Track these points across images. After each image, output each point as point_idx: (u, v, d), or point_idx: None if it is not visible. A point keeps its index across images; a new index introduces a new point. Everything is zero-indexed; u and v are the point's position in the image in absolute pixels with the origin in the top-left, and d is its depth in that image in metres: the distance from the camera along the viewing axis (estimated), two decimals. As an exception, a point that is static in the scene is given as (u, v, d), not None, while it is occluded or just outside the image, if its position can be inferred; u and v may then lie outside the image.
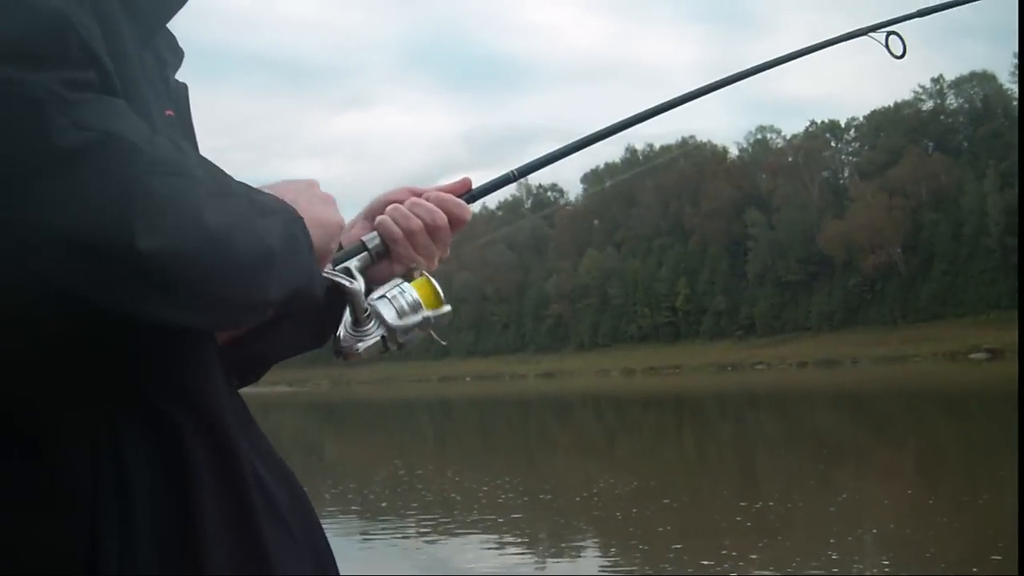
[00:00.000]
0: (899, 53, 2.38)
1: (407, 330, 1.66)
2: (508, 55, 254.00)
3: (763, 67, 2.29)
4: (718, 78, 2.20)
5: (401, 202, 1.72)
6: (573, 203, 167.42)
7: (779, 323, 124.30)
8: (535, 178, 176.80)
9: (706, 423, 40.22)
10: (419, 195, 1.74)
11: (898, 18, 2.42)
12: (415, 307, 1.66)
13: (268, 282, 1.24)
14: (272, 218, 1.26)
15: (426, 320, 1.67)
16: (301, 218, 1.33)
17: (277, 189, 1.40)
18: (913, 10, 2.50)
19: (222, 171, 1.23)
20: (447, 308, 1.69)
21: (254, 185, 1.34)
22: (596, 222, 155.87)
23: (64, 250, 1.05)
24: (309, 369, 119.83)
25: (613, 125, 2.05)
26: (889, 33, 2.38)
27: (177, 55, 1.55)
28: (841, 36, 2.38)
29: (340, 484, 21.45)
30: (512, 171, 1.89)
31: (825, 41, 2.37)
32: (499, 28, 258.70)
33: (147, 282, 1.09)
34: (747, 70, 2.27)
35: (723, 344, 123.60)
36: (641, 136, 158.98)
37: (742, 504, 16.11)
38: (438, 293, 1.69)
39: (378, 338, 1.64)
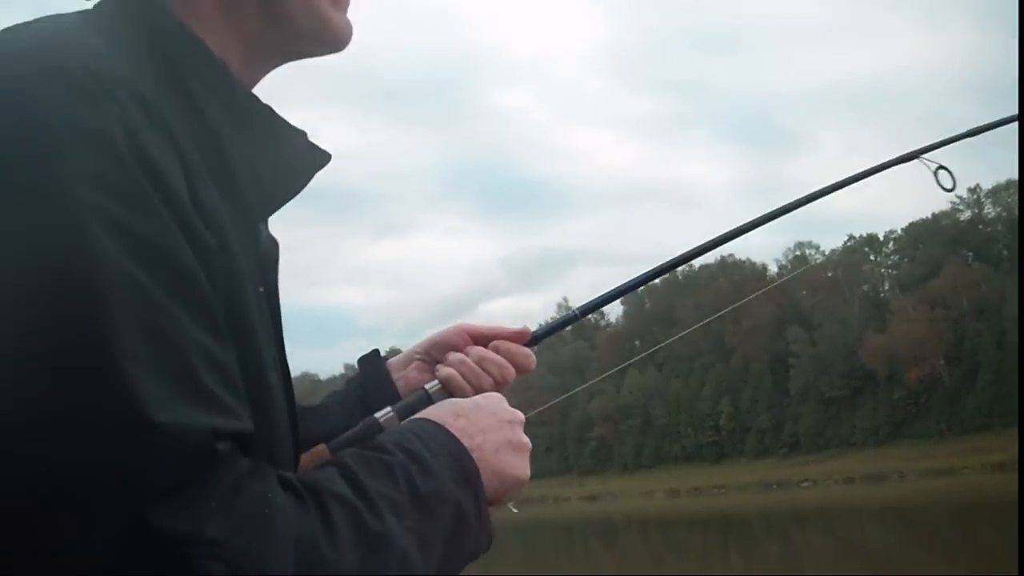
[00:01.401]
0: (948, 186, 2.34)
1: None
2: (545, 179, 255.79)
3: (812, 197, 2.23)
4: (763, 205, 2.22)
5: (460, 348, 1.72)
6: (613, 324, 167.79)
7: (824, 439, 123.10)
8: (574, 300, 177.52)
9: (756, 544, 39.80)
10: (478, 338, 1.74)
11: (946, 140, 2.39)
12: None
13: None
14: (436, 519, 1.21)
15: None
16: (479, 491, 1.28)
17: (471, 419, 1.36)
18: (962, 130, 2.45)
19: (368, 491, 1.16)
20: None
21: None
22: (637, 342, 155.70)
23: None
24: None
25: (667, 263, 2.04)
26: (939, 167, 2.31)
27: None
28: (891, 161, 2.33)
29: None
30: (574, 311, 1.91)
31: (875, 167, 2.32)
32: (536, 153, 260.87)
33: None
34: (796, 201, 2.21)
35: (768, 462, 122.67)
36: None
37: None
38: None
39: None
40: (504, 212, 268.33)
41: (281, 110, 1.30)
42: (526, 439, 1.45)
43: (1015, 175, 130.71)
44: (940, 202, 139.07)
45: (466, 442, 1.31)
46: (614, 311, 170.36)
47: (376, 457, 1.22)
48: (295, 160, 1.39)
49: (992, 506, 46.48)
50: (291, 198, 1.41)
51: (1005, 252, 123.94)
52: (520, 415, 1.47)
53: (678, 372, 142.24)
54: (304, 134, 1.40)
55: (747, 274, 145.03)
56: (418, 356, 1.77)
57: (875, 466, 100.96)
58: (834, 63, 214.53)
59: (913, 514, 47.03)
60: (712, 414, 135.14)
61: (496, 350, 1.73)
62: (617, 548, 44.67)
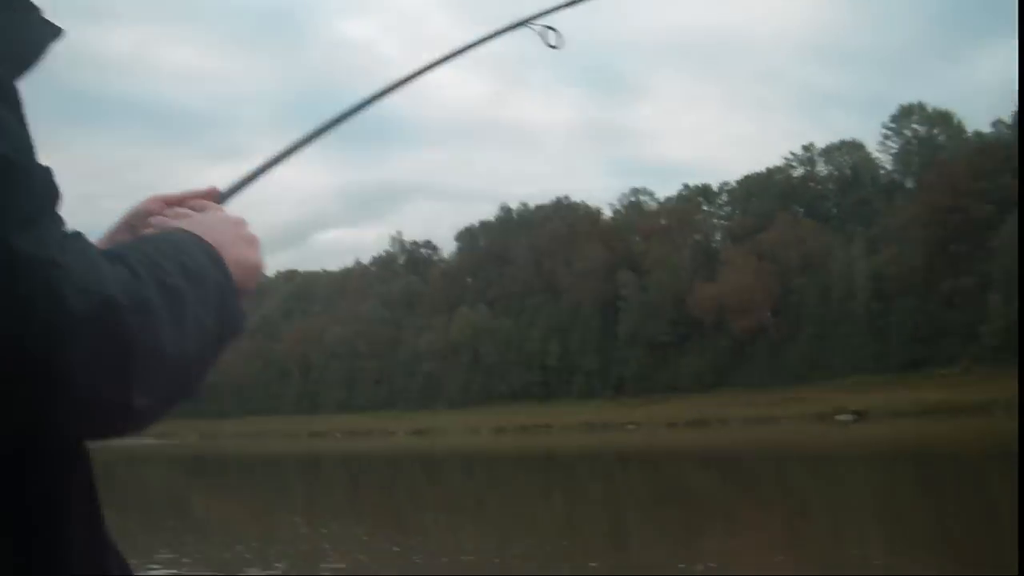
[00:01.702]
0: (554, 43, 2.51)
1: None
2: (386, 113, 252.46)
3: (415, 74, 2.48)
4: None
5: (159, 214, 1.76)
6: (446, 260, 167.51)
7: (650, 384, 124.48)
8: (409, 234, 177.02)
9: (580, 483, 40.26)
10: (172, 202, 1.79)
11: (555, 7, 2.56)
12: None
13: (214, 359, 1.35)
14: (207, 290, 1.33)
15: None
16: (227, 272, 1.42)
17: (205, 225, 1.52)
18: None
19: (154, 259, 1.27)
20: None
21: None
22: (469, 280, 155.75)
23: (61, 406, 1.11)
24: (177, 421, 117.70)
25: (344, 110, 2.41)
26: (546, 27, 2.51)
27: None
28: (503, 28, 2.49)
29: (241, 543, 21.36)
30: (259, 166, 2.08)
31: (490, 34, 2.47)
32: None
33: (131, 423, 1.21)
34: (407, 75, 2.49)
35: (594, 404, 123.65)
36: (516, 196, 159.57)
37: (681, 565, 16.16)
38: None
39: None
40: (343, 143, 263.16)
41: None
42: (255, 234, 1.61)
43: (848, 136, 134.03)
44: (774, 157, 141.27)
45: (206, 239, 1.45)
46: (447, 247, 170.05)
47: (143, 242, 1.36)
48: (31, 33, 1.36)
49: (808, 456, 47.75)
50: (23, 73, 1.33)
51: (835, 210, 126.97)
52: (244, 217, 1.64)
53: (508, 311, 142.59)
54: (38, 8, 1.37)
55: (581, 216, 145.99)
56: (121, 230, 1.78)
57: (699, 412, 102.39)
58: (679, 14, 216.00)
59: (734, 461, 48.01)
60: (541, 353, 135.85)
61: (190, 208, 1.77)
62: (441, 483, 44.80)
